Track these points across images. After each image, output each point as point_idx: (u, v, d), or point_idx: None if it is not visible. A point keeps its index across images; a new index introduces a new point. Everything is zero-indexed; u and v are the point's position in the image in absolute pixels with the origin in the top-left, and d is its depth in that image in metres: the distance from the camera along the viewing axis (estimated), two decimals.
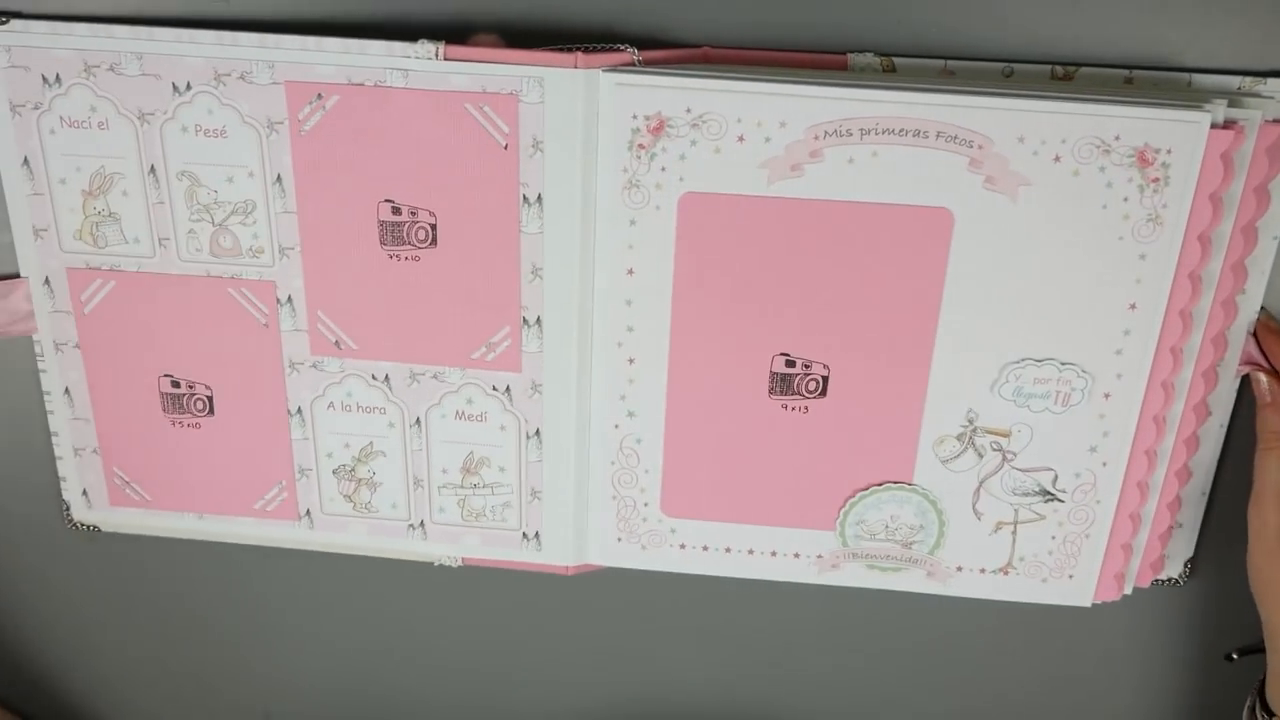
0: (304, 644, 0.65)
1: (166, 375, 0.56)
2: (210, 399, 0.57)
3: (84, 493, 0.59)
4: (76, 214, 0.53)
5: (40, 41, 0.50)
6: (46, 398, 0.57)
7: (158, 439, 0.58)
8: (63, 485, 0.59)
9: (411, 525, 0.59)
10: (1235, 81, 0.48)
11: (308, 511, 0.59)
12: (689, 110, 0.48)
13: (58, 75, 0.51)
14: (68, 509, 0.60)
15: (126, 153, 0.52)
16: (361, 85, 0.50)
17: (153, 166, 0.52)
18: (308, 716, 0.68)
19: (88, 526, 0.60)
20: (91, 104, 0.51)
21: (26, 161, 0.52)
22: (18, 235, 0.54)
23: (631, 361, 0.54)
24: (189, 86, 0.50)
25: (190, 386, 0.56)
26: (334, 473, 0.58)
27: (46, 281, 0.55)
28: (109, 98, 0.51)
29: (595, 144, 0.50)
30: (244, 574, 0.63)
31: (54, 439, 0.58)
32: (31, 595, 0.64)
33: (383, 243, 0.52)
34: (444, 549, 0.59)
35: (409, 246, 0.53)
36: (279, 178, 0.52)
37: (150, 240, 0.53)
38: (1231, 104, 0.47)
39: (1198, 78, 0.48)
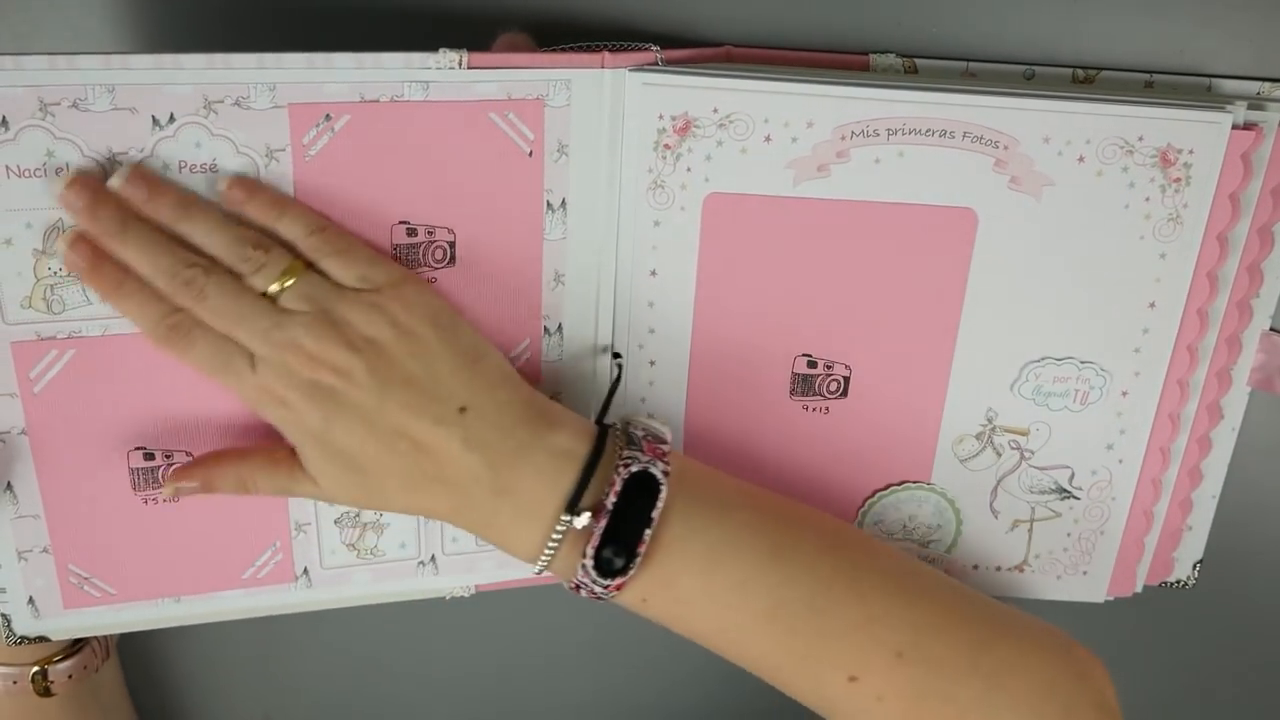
0: (303, 647, 0.62)
1: (138, 448, 0.49)
2: None
3: (30, 600, 0.51)
4: (26, 278, 0.45)
5: None
6: None
7: (126, 522, 0.50)
8: (0, 598, 0.50)
9: (421, 562, 0.55)
10: (1255, 87, 0.52)
11: (304, 570, 0.54)
12: (716, 110, 0.49)
13: (4, 119, 0.42)
14: (8, 623, 0.51)
15: None
16: (375, 102, 0.46)
17: None
18: (308, 717, 0.64)
19: (34, 640, 0.52)
20: (48, 148, 0.43)
21: None
22: None
23: (653, 364, 0.53)
24: (172, 118, 0.44)
25: (167, 456, 0.50)
26: (336, 522, 0.53)
27: None
28: (70, 138, 0.43)
29: (620, 145, 0.49)
30: None
31: None
32: None
33: None
34: (456, 580, 0.56)
35: (425, 268, 0.49)
36: None
37: None
38: (1251, 106, 0.51)
39: (1217, 82, 0.52)
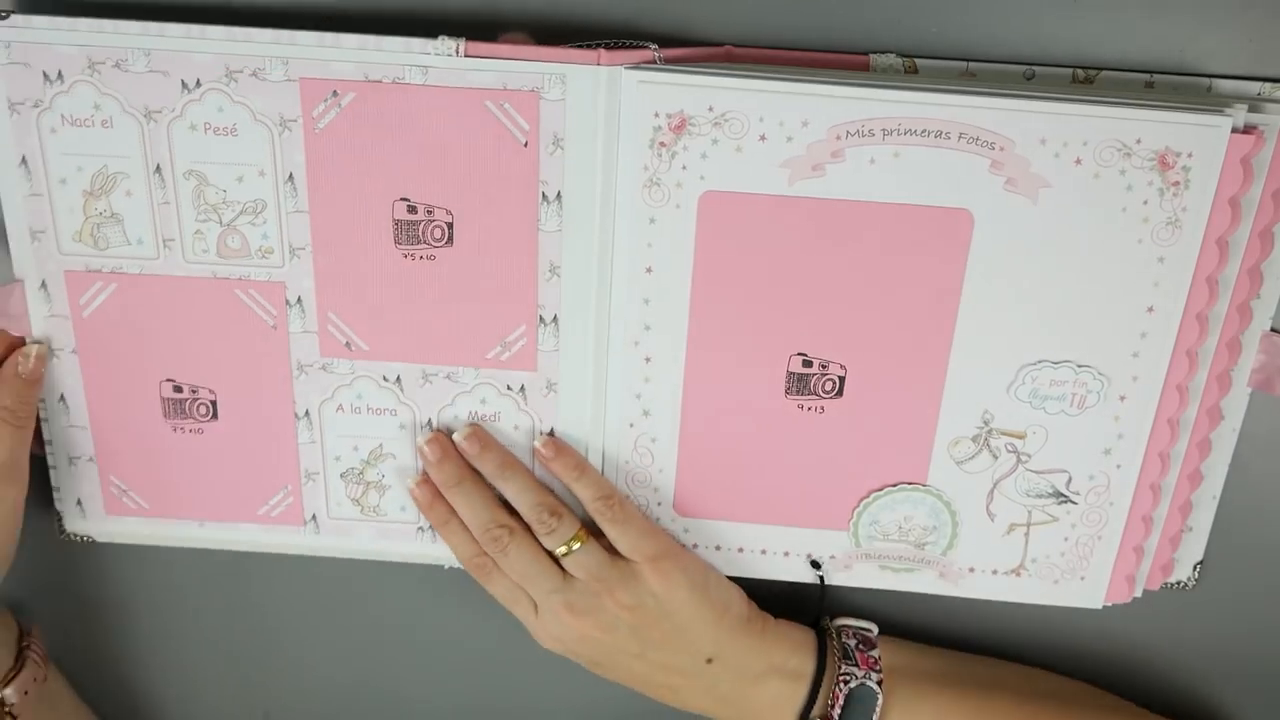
0: (303, 643, 0.64)
1: (169, 380, 0.55)
2: (214, 404, 0.55)
3: (78, 503, 0.58)
4: (76, 215, 0.52)
5: (42, 37, 0.48)
6: (41, 406, 0.55)
7: (158, 446, 0.56)
8: (55, 496, 0.58)
9: (420, 528, 0.58)
10: (1255, 87, 0.49)
11: (313, 516, 0.58)
12: (711, 109, 0.48)
13: (60, 72, 0.49)
14: (60, 520, 0.58)
15: (131, 152, 0.50)
16: (379, 82, 0.49)
17: (158, 166, 0.51)
18: (307, 717, 0.67)
19: (81, 537, 0.59)
20: (95, 101, 0.49)
21: (25, 161, 0.51)
22: (14, 238, 0.52)
23: (648, 360, 0.53)
24: (199, 83, 0.49)
25: (194, 391, 0.55)
26: (342, 476, 0.57)
27: (43, 285, 0.53)
28: (114, 95, 0.49)
29: (616, 142, 0.49)
30: (243, 572, 0.62)
31: (48, 448, 0.56)
32: (29, 597, 0.62)
33: (397, 242, 0.52)
34: None
35: (424, 245, 0.52)
36: (291, 176, 0.51)
37: (154, 241, 0.52)
38: (1251, 109, 0.48)
39: (1218, 83, 0.49)
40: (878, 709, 0.55)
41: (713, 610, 0.55)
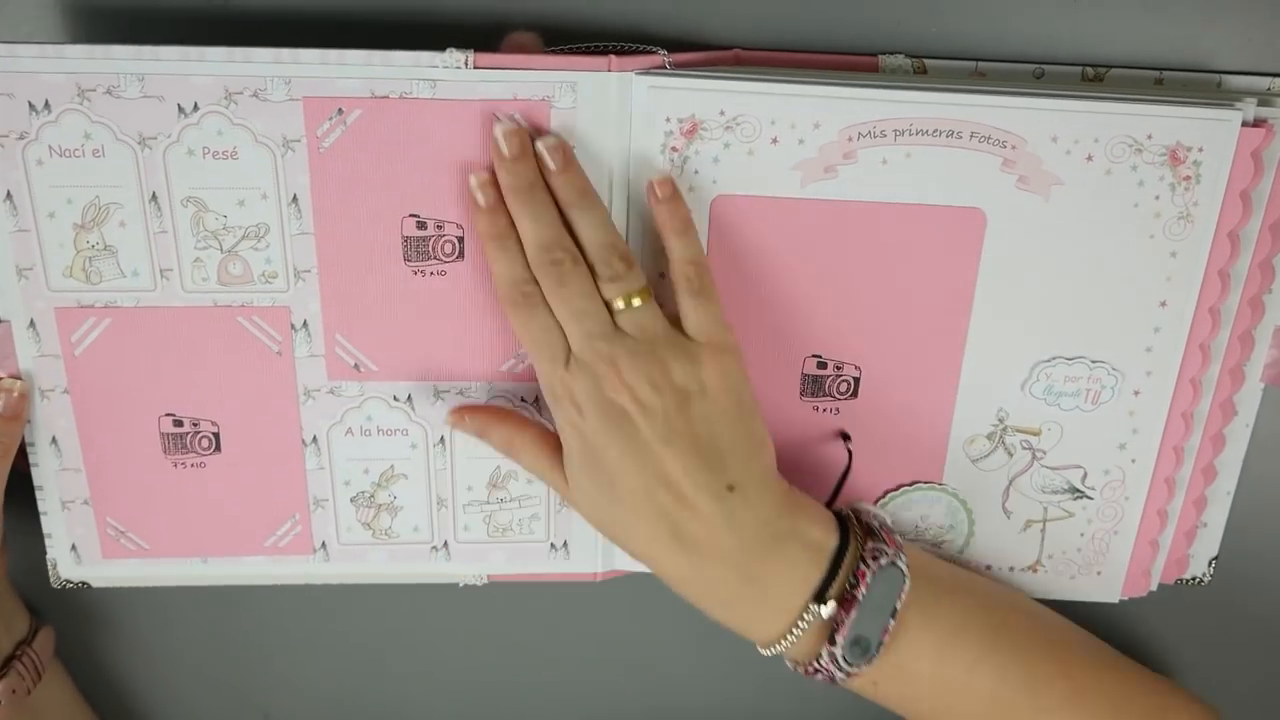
0: (303, 646, 0.63)
1: (168, 414, 0.53)
2: (216, 435, 0.53)
3: (73, 548, 0.55)
4: (67, 249, 0.49)
5: (27, 66, 0.46)
6: (30, 450, 0.53)
7: (157, 483, 0.54)
8: (48, 543, 0.55)
9: (434, 547, 0.57)
10: (1265, 83, 0.50)
11: (323, 544, 0.56)
12: (722, 113, 0.49)
13: (46, 102, 0.47)
14: (54, 567, 0.56)
15: (124, 181, 0.48)
16: (386, 98, 0.48)
17: (154, 194, 0.49)
18: (308, 717, 0.66)
19: (77, 584, 0.56)
20: (86, 130, 0.47)
21: (9, 196, 0.48)
22: None
23: None
24: (196, 107, 0.47)
25: (194, 424, 0.53)
26: (352, 500, 0.56)
27: (31, 324, 0.50)
28: (105, 123, 0.47)
29: (628, 147, 0.49)
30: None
31: (39, 493, 0.54)
32: (30, 597, 0.59)
33: (406, 259, 0.51)
34: (469, 568, 0.58)
35: (435, 261, 0.51)
36: (295, 198, 0.49)
37: (151, 272, 0.50)
38: (1261, 103, 0.49)
39: (1227, 78, 0.50)
40: (904, 592, 0.49)
41: (750, 438, 0.49)
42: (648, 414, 0.47)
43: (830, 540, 0.50)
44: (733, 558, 0.48)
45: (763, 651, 0.51)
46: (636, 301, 0.47)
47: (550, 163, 0.47)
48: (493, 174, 0.48)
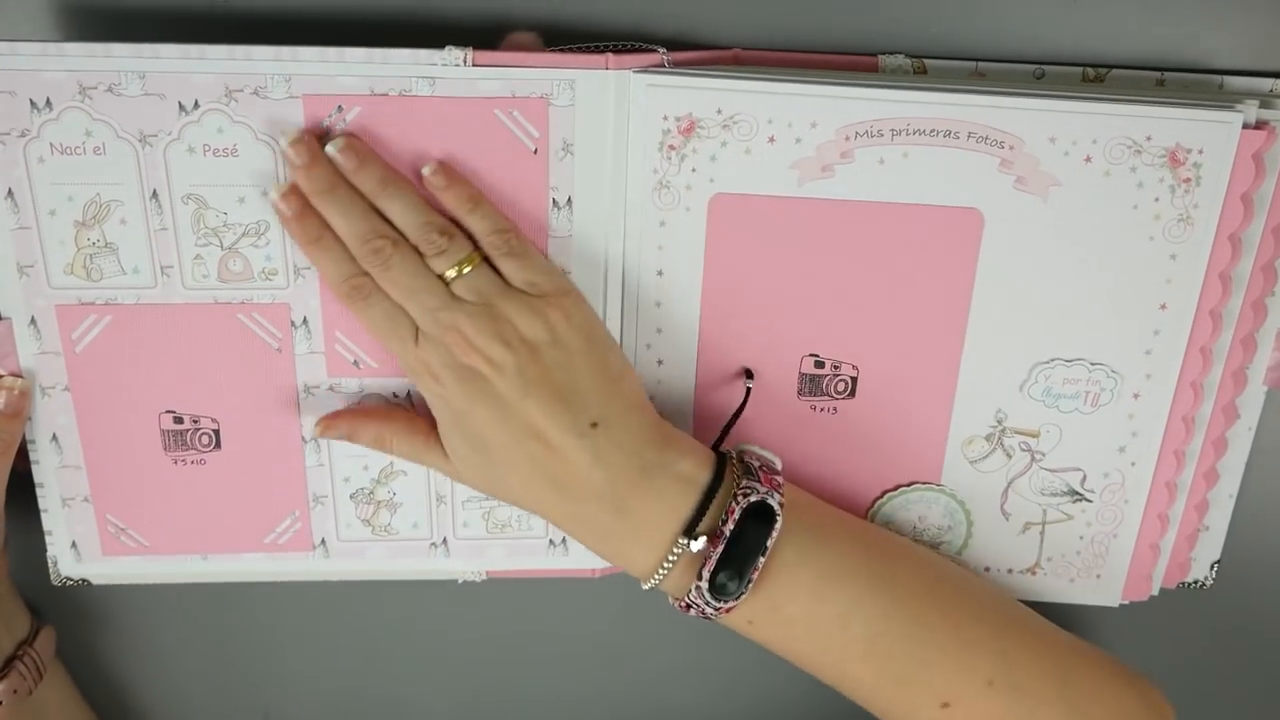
0: (304, 643, 0.63)
1: (168, 411, 0.53)
2: (217, 432, 0.54)
3: (73, 545, 0.55)
4: (68, 247, 0.49)
5: (28, 64, 0.46)
6: (31, 447, 0.53)
7: (157, 480, 0.54)
8: (48, 540, 0.55)
9: (433, 543, 0.57)
10: (1266, 84, 0.50)
11: (322, 541, 0.57)
12: (720, 111, 0.49)
13: (48, 99, 0.47)
14: (54, 564, 0.56)
15: (125, 178, 0.48)
16: (385, 95, 0.48)
17: (155, 191, 0.49)
18: (308, 717, 0.66)
19: (77, 581, 0.56)
20: (87, 128, 0.47)
21: (10, 194, 0.48)
22: (0, 273, 0.50)
23: (660, 364, 0.54)
24: (197, 105, 0.47)
25: (195, 421, 0.53)
26: (351, 497, 0.56)
27: (32, 321, 0.51)
28: (106, 120, 0.47)
29: (626, 146, 0.50)
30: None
31: (39, 490, 0.54)
32: (30, 596, 0.60)
33: None
34: (467, 564, 0.58)
35: None
36: None
37: (151, 269, 0.50)
38: (1263, 105, 0.49)
39: (1229, 79, 0.50)
40: (775, 530, 0.49)
41: (606, 372, 0.50)
42: (501, 371, 0.48)
43: (702, 475, 0.50)
44: (604, 493, 0.49)
45: (642, 585, 0.51)
46: (467, 269, 0.48)
47: (344, 164, 0.48)
48: (293, 186, 0.48)
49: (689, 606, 0.50)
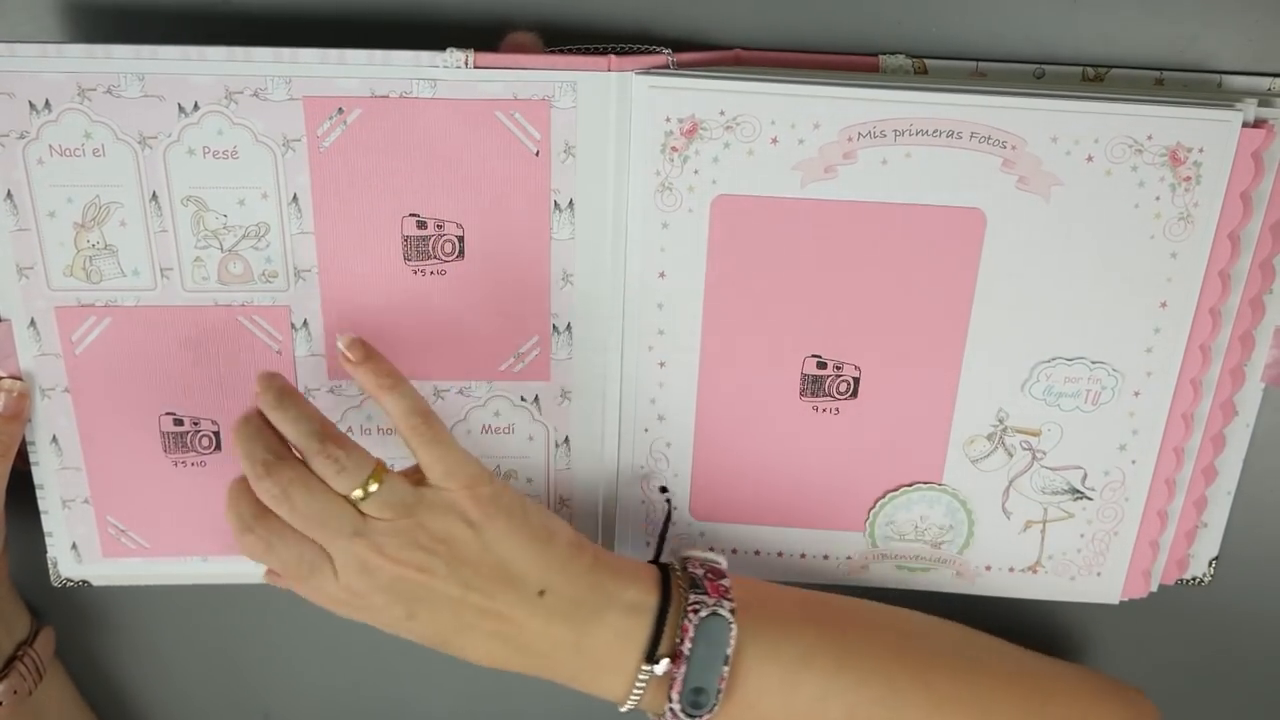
0: (304, 643, 0.63)
1: (168, 413, 0.53)
2: (216, 434, 0.54)
3: (73, 546, 0.55)
4: (67, 249, 0.49)
5: (27, 66, 0.46)
6: (31, 448, 0.53)
7: (157, 482, 0.54)
8: (48, 542, 0.55)
9: None
10: (1265, 83, 0.50)
11: None
12: (722, 112, 0.49)
13: (47, 101, 0.47)
14: (54, 565, 0.56)
15: (125, 180, 0.48)
16: (386, 97, 0.48)
17: (154, 193, 0.49)
18: (308, 717, 0.66)
19: (78, 583, 0.56)
20: (86, 130, 0.47)
21: (10, 196, 0.48)
22: (0, 275, 0.50)
23: (662, 365, 0.54)
24: (196, 106, 0.47)
25: (195, 423, 0.53)
26: None
27: (32, 323, 0.51)
28: (106, 122, 0.47)
29: (628, 147, 0.49)
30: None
31: (39, 492, 0.54)
32: (30, 596, 0.60)
33: (406, 258, 0.51)
34: None
35: (435, 260, 0.51)
36: (295, 197, 0.49)
37: (151, 271, 0.50)
38: (1262, 103, 0.49)
39: (1228, 78, 0.50)
40: (732, 639, 0.49)
41: (536, 538, 0.49)
42: (434, 574, 0.48)
43: (650, 599, 0.50)
44: (564, 640, 0.49)
45: (620, 709, 0.51)
46: (373, 486, 0.47)
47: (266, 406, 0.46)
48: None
49: None
